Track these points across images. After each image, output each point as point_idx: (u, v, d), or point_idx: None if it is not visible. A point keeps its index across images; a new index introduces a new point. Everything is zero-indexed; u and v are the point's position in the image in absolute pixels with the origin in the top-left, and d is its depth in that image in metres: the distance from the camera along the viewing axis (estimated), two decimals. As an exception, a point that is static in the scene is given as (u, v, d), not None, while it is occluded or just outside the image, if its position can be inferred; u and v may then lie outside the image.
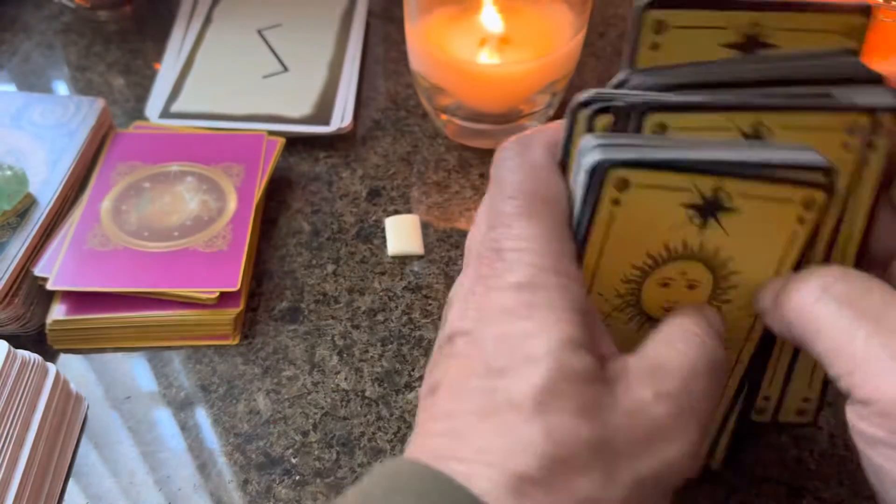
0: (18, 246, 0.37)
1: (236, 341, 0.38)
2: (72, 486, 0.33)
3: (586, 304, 0.22)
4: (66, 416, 0.34)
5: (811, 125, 0.23)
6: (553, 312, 0.21)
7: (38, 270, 0.37)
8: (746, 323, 0.25)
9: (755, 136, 0.23)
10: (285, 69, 0.51)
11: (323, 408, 0.35)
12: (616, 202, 0.22)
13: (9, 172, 0.39)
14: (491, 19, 0.44)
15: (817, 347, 0.21)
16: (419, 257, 0.42)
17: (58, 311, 0.37)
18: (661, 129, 0.23)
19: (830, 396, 0.28)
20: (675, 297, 0.24)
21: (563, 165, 0.24)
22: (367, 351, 0.37)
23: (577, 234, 0.23)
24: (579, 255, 0.23)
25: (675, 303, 0.24)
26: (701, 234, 0.23)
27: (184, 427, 0.35)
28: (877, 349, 0.20)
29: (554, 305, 0.21)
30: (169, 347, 0.38)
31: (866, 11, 0.24)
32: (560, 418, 0.19)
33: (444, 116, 0.46)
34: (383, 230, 0.43)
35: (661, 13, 0.23)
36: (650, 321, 0.25)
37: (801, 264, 0.23)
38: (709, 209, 0.22)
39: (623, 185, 0.21)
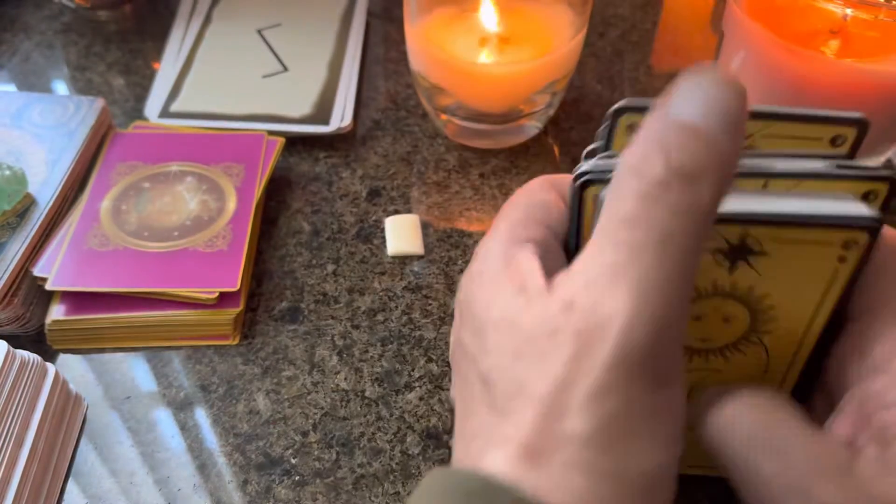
0: (18, 246, 0.37)
1: (236, 341, 0.38)
2: (71, 486, 0.33)
3: (542, 245, 0.23)
4: (66, 416, 0.34)
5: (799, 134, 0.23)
6: (494, 252, 0.23)
7: (37, 270, 0.37)
8: (790, 350, 0.24)
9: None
10: (285, 69, 0.51)
11: (323, 408, 0.35)
12: None
13: (8, 172, 0.39)
14: (491, 19, 0.44)
15: (731, 475, 0.21)
16: (419, 257, 0.42)
17: (57, 311, 0.37)
18: None
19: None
20: (709, 330, 0.23)
21: (575, 247, 0.24)
22: (366, 351, 0.37)
23: None
24: None
25: (710, 336, 0.24)
26: (731, 276, 0.22)
27: (184, 427, 0.35)
28: (781, 489, 0.20)
29: (494, 254, 0.23)
30: (169, 347, 0.38)
31: (857, 123, 0.22)
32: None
33: (444, 116, 0.46)
34: (383, 230, 0.43)
35: (634, 116, 0.23)
36: (687, 352, 0.24)
37: (847, 297, 0.22)
38: (737, 254, 0.22)
39: None
